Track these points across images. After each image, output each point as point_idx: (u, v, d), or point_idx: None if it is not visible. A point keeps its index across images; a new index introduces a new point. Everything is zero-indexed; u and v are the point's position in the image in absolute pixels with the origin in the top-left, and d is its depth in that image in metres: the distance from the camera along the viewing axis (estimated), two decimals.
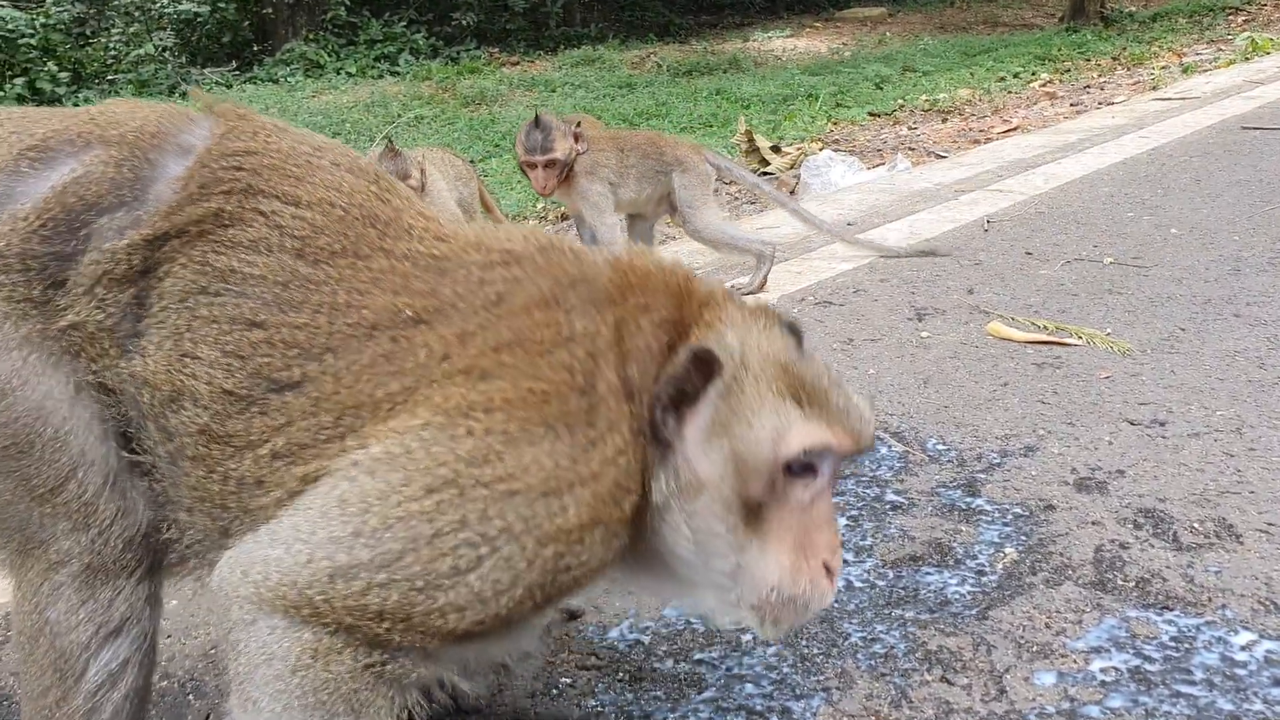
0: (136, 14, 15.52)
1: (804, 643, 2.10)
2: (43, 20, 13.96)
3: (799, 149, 7.81)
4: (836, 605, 2.21)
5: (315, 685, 1.38)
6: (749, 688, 1.99)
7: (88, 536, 1.50)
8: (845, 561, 2.38)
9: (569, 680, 2.03)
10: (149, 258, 1.48)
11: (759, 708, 1.93)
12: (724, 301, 1.57)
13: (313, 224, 1.51)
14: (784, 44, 17.39)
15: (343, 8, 15.83)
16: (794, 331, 1.57)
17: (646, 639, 2.14)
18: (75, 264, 1.47)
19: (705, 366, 1.46)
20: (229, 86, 13.64)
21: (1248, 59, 10.04)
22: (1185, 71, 9.97)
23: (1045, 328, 3.60)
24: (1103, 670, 1.99)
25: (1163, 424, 2.92)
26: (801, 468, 1.46)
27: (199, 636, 2.21)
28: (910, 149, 7.42)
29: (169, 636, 2.21)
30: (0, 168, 1.50)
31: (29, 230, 1.47)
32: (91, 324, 1.48)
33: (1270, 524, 2.41)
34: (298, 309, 1.47)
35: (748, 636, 2.13)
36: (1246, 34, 11.89)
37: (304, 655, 1.37)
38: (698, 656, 2.09)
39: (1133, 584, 2.24)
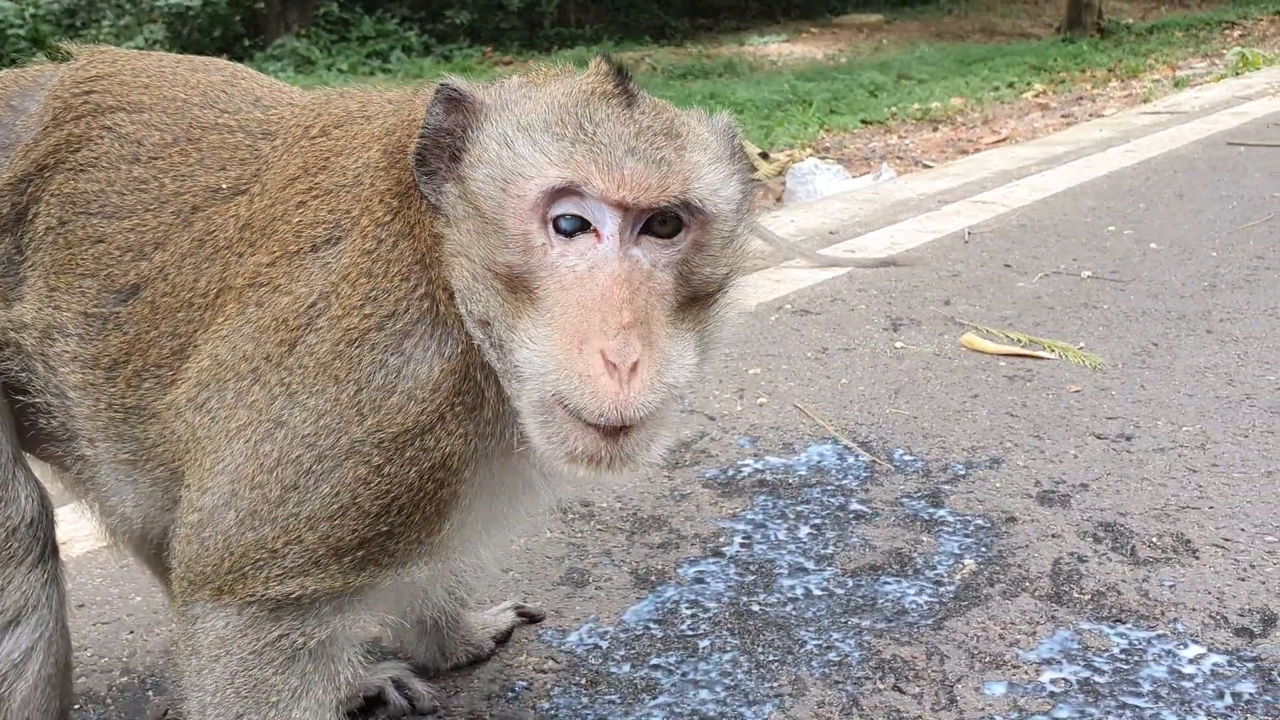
0: (127, 6, 15.53)
1: (760, 649, 2.12)
2: (32, 11, 13.97)
3: (788, 155, 7.84)
4: (793, 613, 2.24)
5: (232, 675, 1.33)
6: (703, 693, 2.01)
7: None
8: (805, 570, 2.40)
9: (525, 683, 2.05)
10: (18, 203, 1.44)
11: (712, 713, 1.95)
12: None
13: (149, 123, 1.46)
14: (780, 49, 17.43)
15: (335, 3, 15.85)
16: (619, 74, 1.33)
17: (605, 644, 2.16)
18: None
19: (455, 106, 1.31)
20: None
21: (1238, 74, 10.10)
22: (1177, 85, 10.03)
23: (1019, 341, 3.62)
24: (1053, 681, 2.01)
25: (1129, 438, 2.95)
26: (568, 222, 1.23)
27: (160, 633, 2.22)
28: (899, 158, 7.45)
29: (131, 632, 2.22)
30: None
31: None
32: None
33: (1227, 539, 2.44)
34: (130, 213, 1.43)
35: (705, 643, 2.15)
36: (1238, 49, 11.95)
37: (214, 645, 1.32)
38: (654, 661, 2.10)
39: (1088, 597, 2.26)
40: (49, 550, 1.55)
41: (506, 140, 1.25)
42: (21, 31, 13.54)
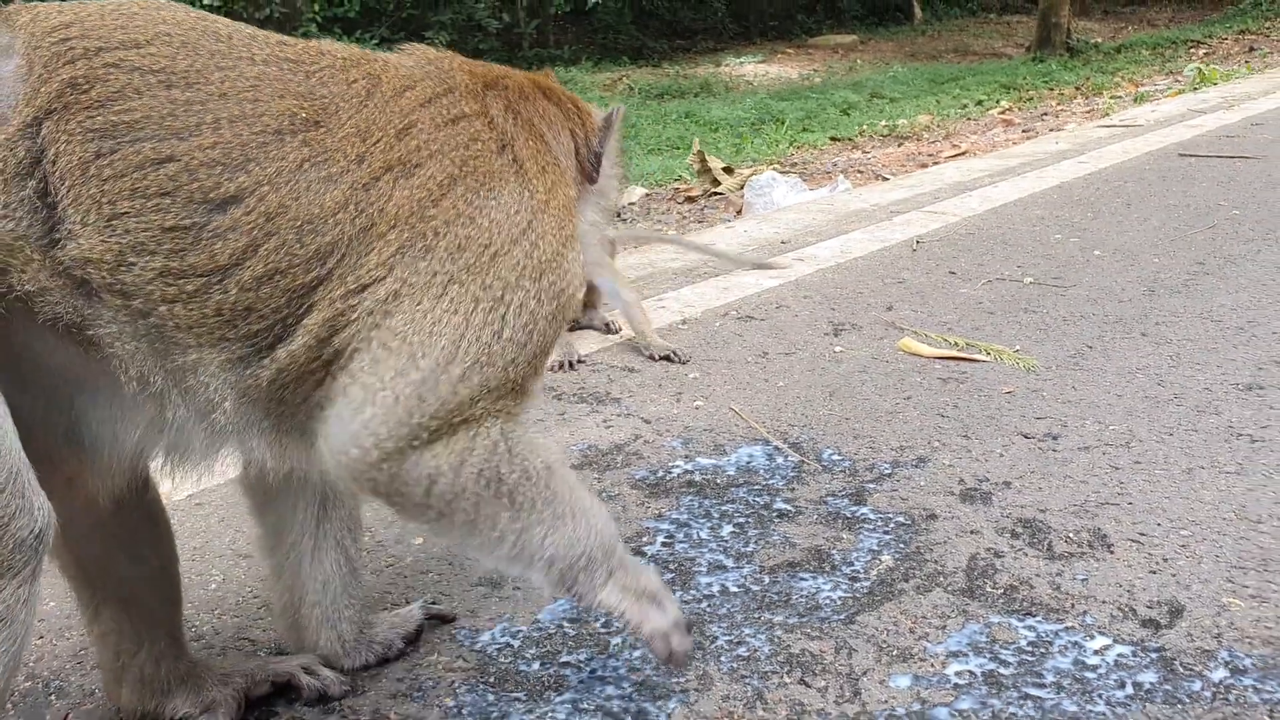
0: None
1: None
2: None
3: (751, 170, 7.89)
4: (707, 609, 2.24)
5: (480, 470, 1.60)
6: (609, 689, 2.00)
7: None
8: (724, 568, 2.41)
9: (433, 682, 2.04)
10: (31, 147, 1.44)
11: (616, 709, 1.95)
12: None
13: (161, 54, 1.52)
14: (756, 69, 17.58)
15: (314, 25, 15.89)
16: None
17: (516, 642, 2.16)
18: None
19: (610, 126, 1.89)
20: None
21: (1195, 89, 10.25)
22: (1137, 101, 10.16)
23: (955, 344, 3.65)
24: (958, 674, 2.02)
25: (1055, 438, 2.97)
26: None
27: (70, 637, 2.21)
28: (859, 171, 7.52)
29: (41, 638, 2.20)
30: None
31: None
32: (5, 236, 1.42)
33: (1143, 534, 2.46)
34: (195, 131, 1.49)
35: (616, 640, 2.15)
36: (1195, 65, 12.13)
37: (454, 463, 1.57)
38: (564, 659, 2.10)
39: (1001, 591, 2.28)
40: (39, 568, 1.50)
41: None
42: None
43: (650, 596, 1.81)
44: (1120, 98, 10.75)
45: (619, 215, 2.40)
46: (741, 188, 7.09)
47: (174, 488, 2.85)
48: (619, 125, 1.93)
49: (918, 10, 23.71)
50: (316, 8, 16.41)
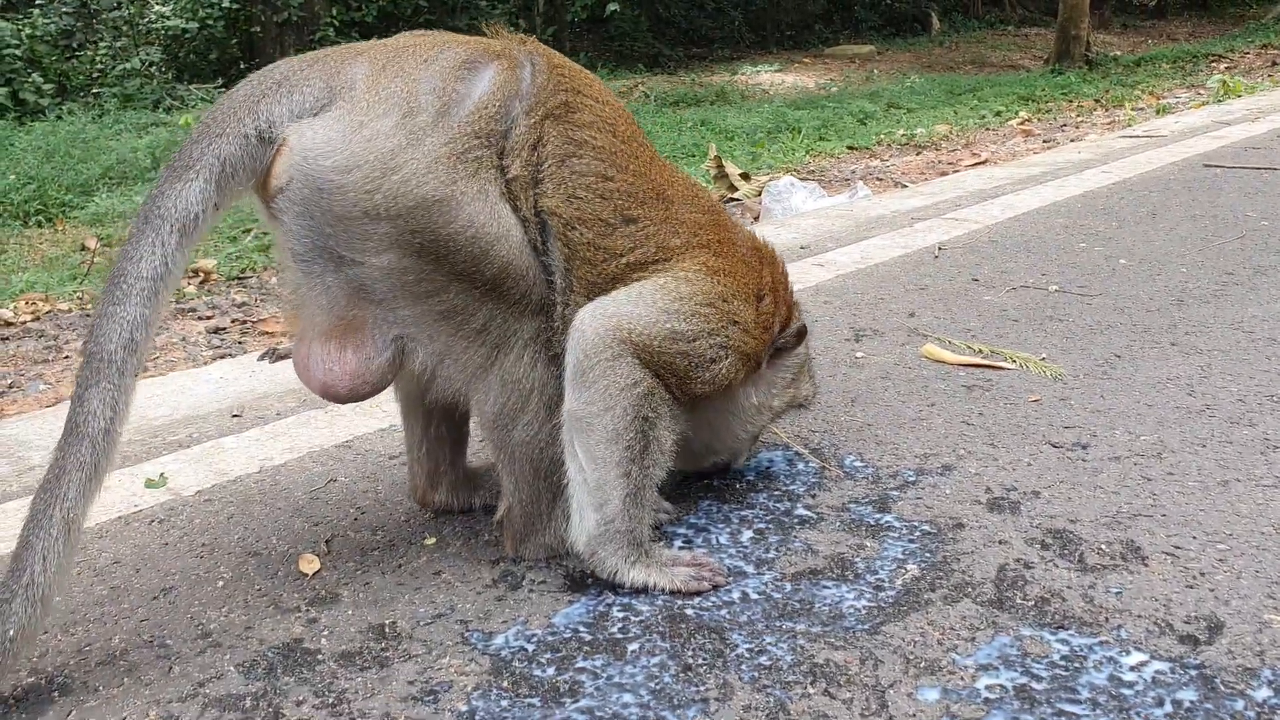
0: (124, 28, 15.60)
1: (689, 653, 2.06)
2: (29, 31, 14.01)
3: (769, 177, 7.83)
4: (727, 616, 2.18)
5: (638, 401, 2.17)
6: (626, 696, 1.94)
7: (539, 317, 2.18)
8: (744, 573, 2.34)
9: (445, 685, 1.98)
10: (537, 131, 2.12)
11: (634, 716, 1.88)
12: (797, 303, 2.65)
13: (609, 116, 2.24)
14: (772, 78, 17.54)
15: (331, 29, 15.92)
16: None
17: (531, 646, 2.09)
18: (508, 138, 2.10)
19: (800, 337, 2.57)
20: (214, 103, 13.67)
21: (1219, 101, 10.14)
22: (1159, 113, 10.07)
23: (980, 351, 3.58)
24: (988, 687, 1.95)
25: (1085, 447, 2.89)
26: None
27: (75, 633, 2.16)
28: (878, 179, 7.45)
29: (45, 633, 2.15)
30: (453, 79, 2.08)
31: (490, 115, 2.07)
32: (521, 178, 2.11)
33: (1177, 547, 2.38)
34: (625, 170, 2.22)
35: (634, 646, 2.09)
36: (1219, 76, 12.02)
37: (640, 383, 2.17)
38: (580, 664, 2.04)
39: (1032, 603, 2.20)
40: None
41: (808, 379, 2.78)
42: (18, 52, 13.56)
43: None
44: (1142, 109, 10.66)
45: (766, 424, 2.72)
46: (759, 194, 7.03)
47: (182, 485, 2.81)
48: (807, 342, 2.66)
49: (935, 22, 23.65)
50: (335, 12, 16.46)
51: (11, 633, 1.85)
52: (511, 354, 2.17)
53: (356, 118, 2.02)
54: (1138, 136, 7.96)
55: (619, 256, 2.21)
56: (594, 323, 2.15)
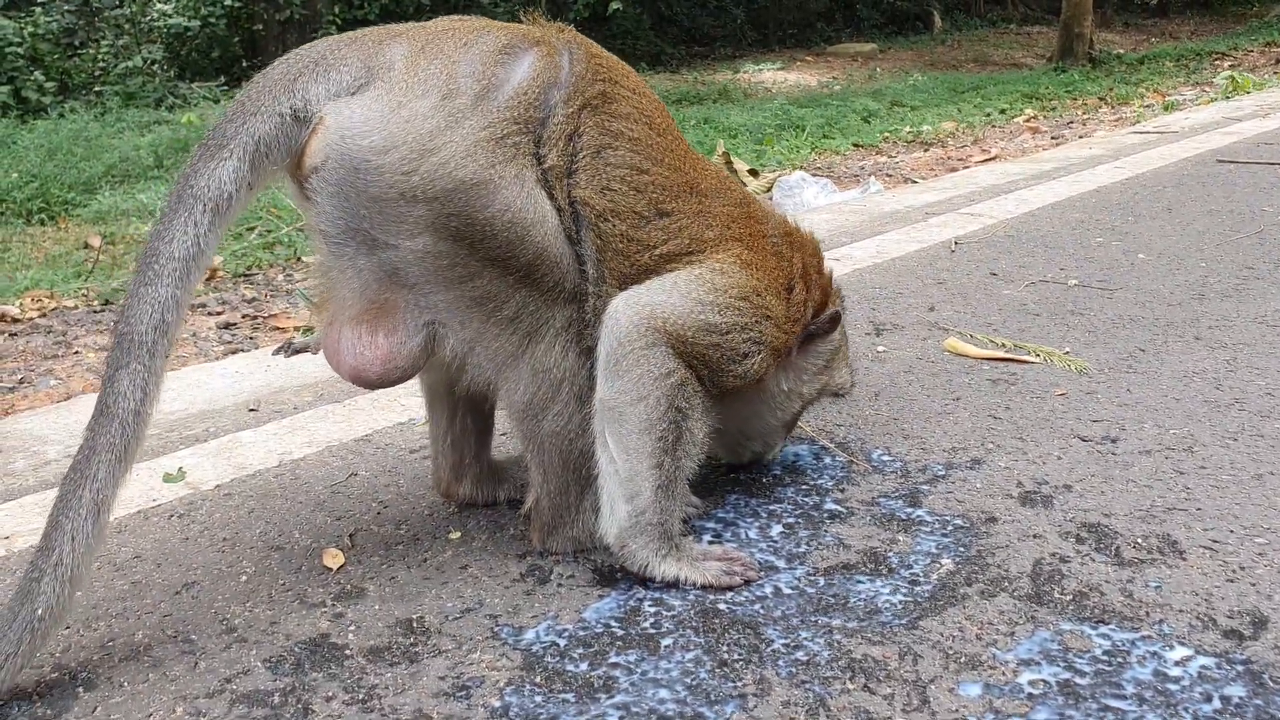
0: (126, 26, 15.55)
1: (724, 648, 2.02)
2: (31, 29, 13.96)
3: (779, 173, 7.79)
4: (761, 611, 2.14)
5: (671, 392, 2.14)
6: (662, 692, 1.90)
7: (572, 306, 2.15)
8: (776, 568, 2.30)
9: (477, 681, 1.94)
10: (574, 122, 2.09)
11: (671, 713, 1.85)
12: (836, 288, 2.61)
13: (645, 108, 2.21)
14: (774, 76, 17.51)
15: (334, 27, 15.88)
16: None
17: (562, 641, 2.05)
18: (545, 126, 2.06)
19: (833, 323, 2.49)
20: (216, 101, 13.63)
21: (1228, 97, 10.11)
22: (1166, 109, 10.03)
23: (1003, 345, 3.54)
24: (1031, 683, 1.91)
25: (1114, 440, 2.86)
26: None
27: (98, 628, 2.12)
28: (888, 175, 7.42)
29: (67, 628, 2.12)
30: (493, 64, 2.04)
31: (528, 102, 2.03)
32: (557, 167, 2.07)
33: (1215, 541, 2.35)
34: (660, 163, 2.19)
35: (667, 641, 2.05)
36: (1228, 73, 11.99)
37: (673, 373, 2.14)
38: (613, 659, 2.00)
39: (1070, 597, 2.16)
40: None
41: (843, 365, 2.71)
42: (20, 50, 13.52)
43: None
44: (1150, 106, 10.63)
45: (802, 410, 2.69)
46: (769, 189, 7.00)
47: (201, 479, 2.77)
48: (841, 327, 2.59)
49: (937, 20, 23.62)
50: (337, 10, 16.42)
51: (40, 611, 1.83)
52: (543, 343, 2.13)
53: (395, 98, 1.98)
54: (1148, 132, 7.93)
55: (652, 248, 2.18)
56: (628, 311, 2.12)
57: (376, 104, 1.98)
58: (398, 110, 1.98)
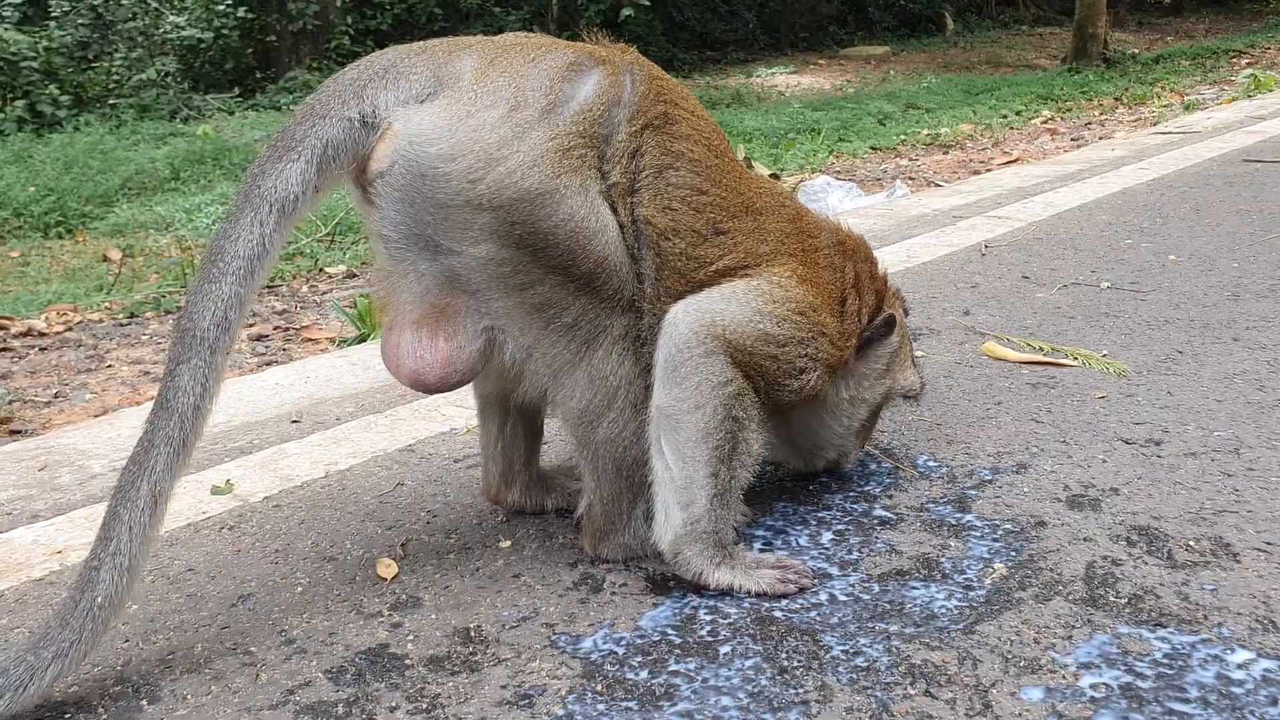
0: (140, 39, 15.66)
1: (783, 655, 2.02)
2: (45, 43, 14.06)
3: (801, 177, 7.80)
4: (817, 618, 2.14)
5: (728, 401, 2.15)
6: (724, 700, 1.91)
7: (629, 314, 2.17)
8: (829, 575, 2.31)
9: (539, 689, 1.95)
10: (637, 140, 2.12)
11: None
12: (893, 290, 2.64)
13: (704, 130, 2.23)
14: (787, 80, 17.52)
15: (347, 37, 15.96)
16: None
17: (621, 650, 2.06)
18: (609, 143, 2.09)
19: (889, 327, 2.50)
20: (231, 113, 13.73)
21: (1250, 96, 10.07)
22: (1186, 109, 10.00)
23: (1040, 349, 3.54)
24: (1093, 686, 1.91)
25: (1158, 443, 2.85)
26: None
27: (157, 641, 2.14)
28: (910, 178, 7.41)
29: (126, 641, 2.14)
30: (559, 79, 2.06)
31: (593, 118, 2.06)
32: (620, 185, 2.11)
33: (1269, 543, 2.34)
34: (718, 184, 2.22)
35: (725, 649, 2.05)
36: (1249, 71, 11.93)
37: (731, 382, 2.15)
38: (673, 667, 2.01)
39: (1125, 600, 2.16)
40: None
41: (908, 366, 2.72)
42: (35, 64, 13.63)
43: None
44: (1169, 106, 10.59)
45: (873, 416, 2.74)
46: (793, 193, 7.01)
47: (249, 491, 2.79)
48: (900, 328, 2.59)
49: (949, 22, 23.60)
50: (349, 20, 16.51)
51: (100, 599, 1.86)
52: (600, 350, 2.15)
53: (464, 107, 2.01)
54: (1171, 133, 7.90)
55: (708, 265, 2.21)
56: (687, 319, 2.14)
57: (445, 112, 2.01)
58: (466, 119, 2.00)
